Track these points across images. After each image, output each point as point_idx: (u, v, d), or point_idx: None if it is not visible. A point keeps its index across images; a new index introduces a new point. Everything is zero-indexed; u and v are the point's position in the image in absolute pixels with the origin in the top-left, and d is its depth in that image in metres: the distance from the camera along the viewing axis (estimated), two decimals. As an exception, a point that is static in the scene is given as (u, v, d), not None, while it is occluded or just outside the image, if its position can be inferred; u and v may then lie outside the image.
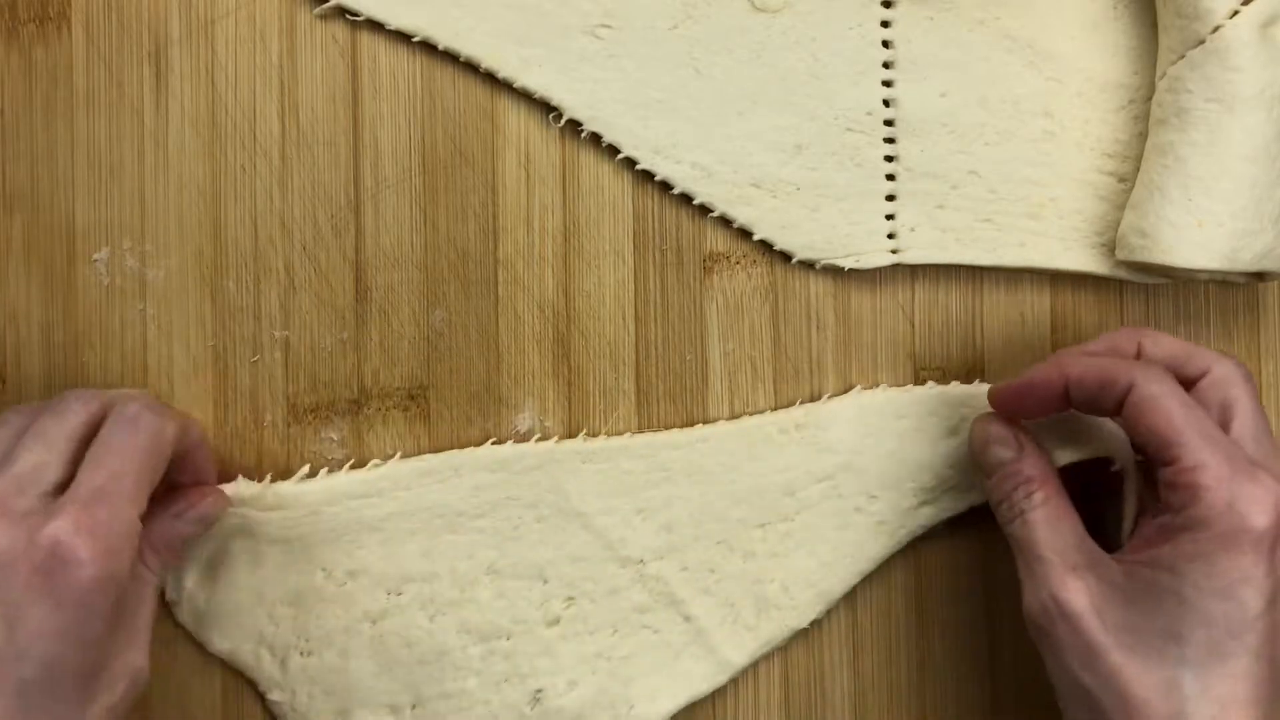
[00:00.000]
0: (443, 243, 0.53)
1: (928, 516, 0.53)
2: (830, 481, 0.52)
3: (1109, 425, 0.48)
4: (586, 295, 0.53)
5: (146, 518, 0.45)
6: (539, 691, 0.52)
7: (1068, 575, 0.45)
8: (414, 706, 0.51)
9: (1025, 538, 0.46)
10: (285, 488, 0.51)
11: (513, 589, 0.52)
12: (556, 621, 0.52)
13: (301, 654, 0.51)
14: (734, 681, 0.53)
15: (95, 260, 0.52)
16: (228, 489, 0.50)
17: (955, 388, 0.53)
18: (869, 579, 0.54)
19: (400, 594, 0.51)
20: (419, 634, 0.51)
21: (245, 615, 0.51)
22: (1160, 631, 0.43)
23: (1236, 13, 0.48)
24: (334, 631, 0.51)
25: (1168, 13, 0.50)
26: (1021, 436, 0.48)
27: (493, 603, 0.52)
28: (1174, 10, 0.50)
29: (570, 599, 0.52)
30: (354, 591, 0.51)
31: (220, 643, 0.51)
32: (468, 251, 0.53)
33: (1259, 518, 0.42)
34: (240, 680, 0.52)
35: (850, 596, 0.54)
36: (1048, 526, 0.46)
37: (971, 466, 0.51)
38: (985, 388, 0.52)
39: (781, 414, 0.53)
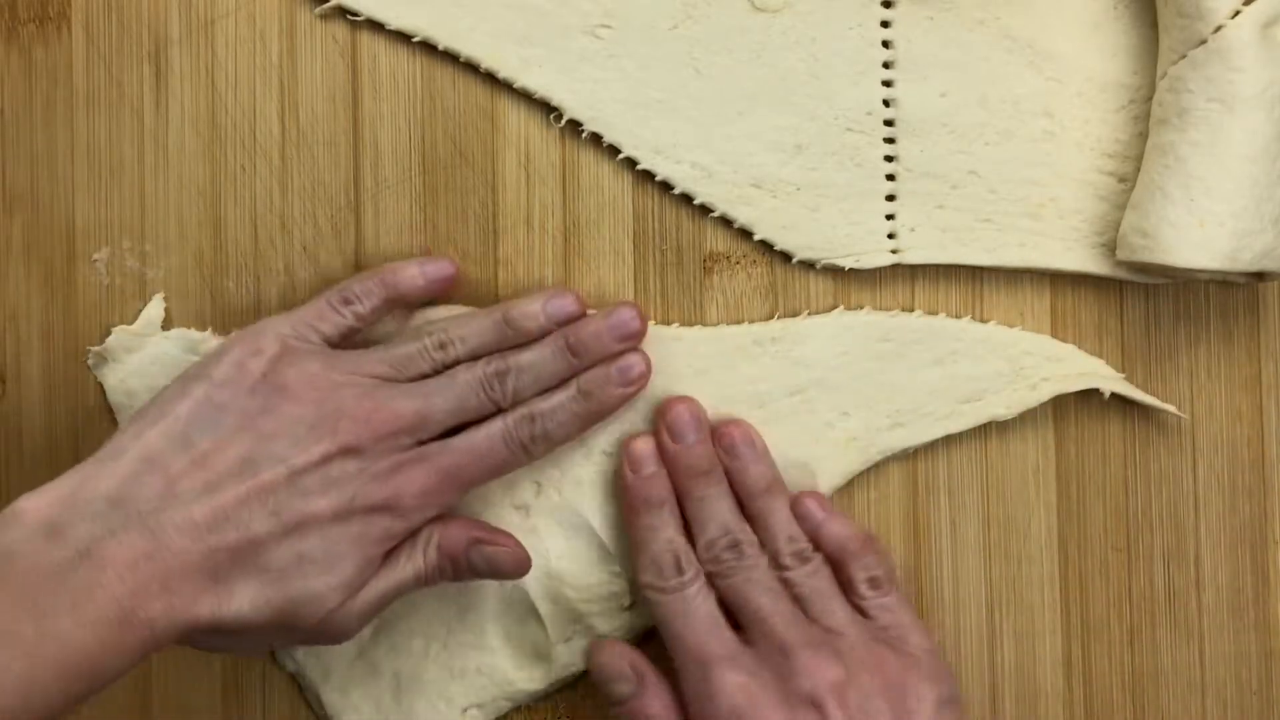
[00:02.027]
0: (443, 243, 0.53)
1: (901, 439, 0.53)
2: (802, 395, 0.53)
3: None
4: (586, 295, 0.53)
5: (448, 520, 0.48)
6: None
7: None
8: None
9: None
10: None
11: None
12: (525, 508, 0.52)
13: None
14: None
15: (95, 260, 0.52)
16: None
17: (943, 320, 0.53)
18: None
19: None
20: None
21: None
22: None
23: (1238, 12, 0.48)
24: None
25: (1169, 12, 0.50)
26: (641, 666, 0.49)
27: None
28: (1175, 10, 0.50)
29: (538, 485, 0.52)
30: None
31: None
32: (468, 251, 0.53)
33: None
34: (239, 681, 0.52)
35: (850, 596, 0.54)
36: None
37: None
38: (979, 327, 0.53)
39: (759, 326, 0.53)
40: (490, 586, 0.52)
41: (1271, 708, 0.54)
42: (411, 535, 0.47)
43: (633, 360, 0.50)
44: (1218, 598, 0.54)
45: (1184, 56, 0.49)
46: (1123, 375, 0.54)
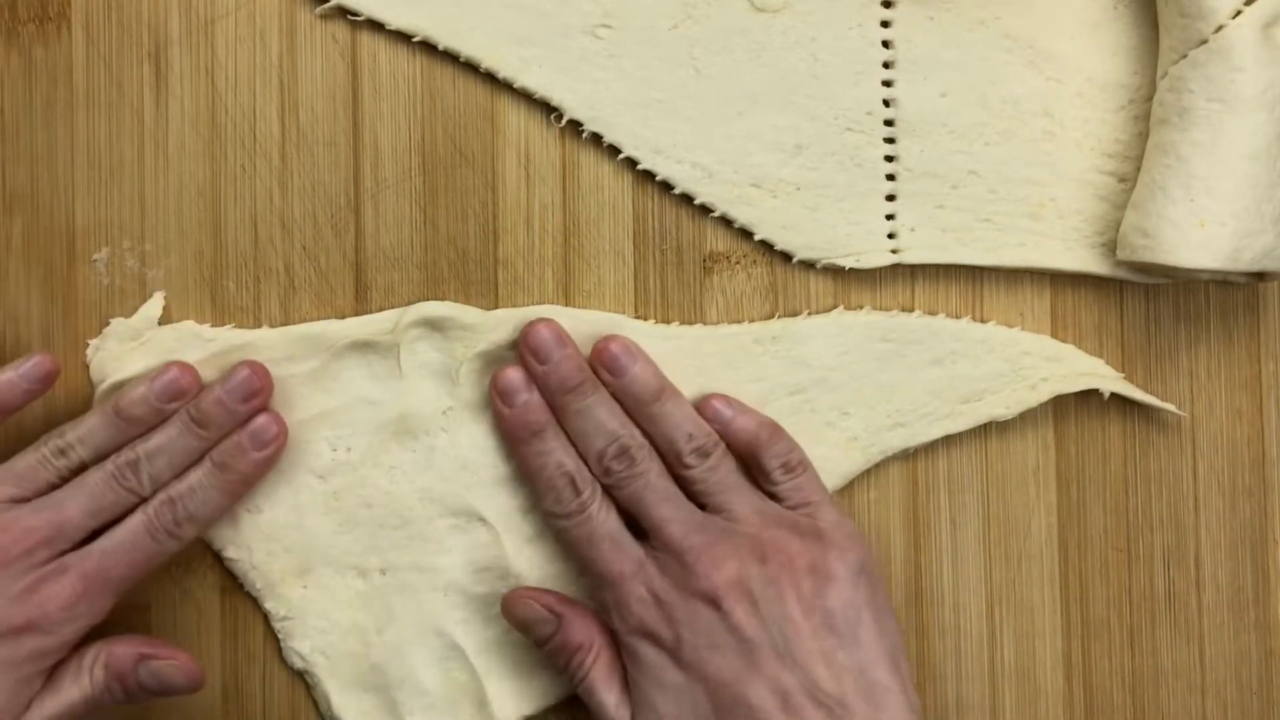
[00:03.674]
0: (443, 243, 0.53)
1: (901, 439, 0.53)
2: (803, 395, 0.53)
3: None
4: (586, 295, 0.53)
5: (114, 639, 0.47)
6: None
7: None
8: (383, 572, 0.52)
9: (591, 703, 0.48)
10: (218, 330, 0.51)
11: (475, 461, 0.52)
12: (533, 511, 0.52)
13: (249, 510, 0.51)
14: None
15: (95, 260, 0.52)
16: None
17: (943, 320, 0.53)
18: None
19: (350, 450, 0.51)
20: (377, 495, 0.51)
21: None
22: None
23: (1239, 12, 0.48)
24: (278, 486, 0.51)
25: (1170, 12, 0.50)
26: (557, 604, 0.49)
27: (457, 474, 0.52)
28: (1176, 10, 0.50)
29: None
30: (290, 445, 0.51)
31: None
32: (468, 251, 0.53)
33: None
34: (239, 681, 0.52)
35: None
36: (605, 687, 0.48)
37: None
38: (979, 327, 0.53)
39: (759, 325, 0.53)
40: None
41: (1271, 708, 0.54)
42: (78, 655, 0.46)
43: (262, 423, 0.49)
44: (1218, 598, 0.54)
45: (1185, 56, 0.49)
46: (1122, 375, 0.54)
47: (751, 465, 0.51)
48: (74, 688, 0.46)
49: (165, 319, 0.52)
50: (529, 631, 0.50)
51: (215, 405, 0.48)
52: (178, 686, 0.48)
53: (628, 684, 0.48)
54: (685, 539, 0.47)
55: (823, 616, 0.46)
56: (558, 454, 0.49)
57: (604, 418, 0.49)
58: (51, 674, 0.46)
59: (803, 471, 0.50)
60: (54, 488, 0.47)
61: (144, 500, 0.48)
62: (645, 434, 0.50)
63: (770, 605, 0.46)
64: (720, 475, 0.49)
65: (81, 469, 0.48)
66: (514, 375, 0.50)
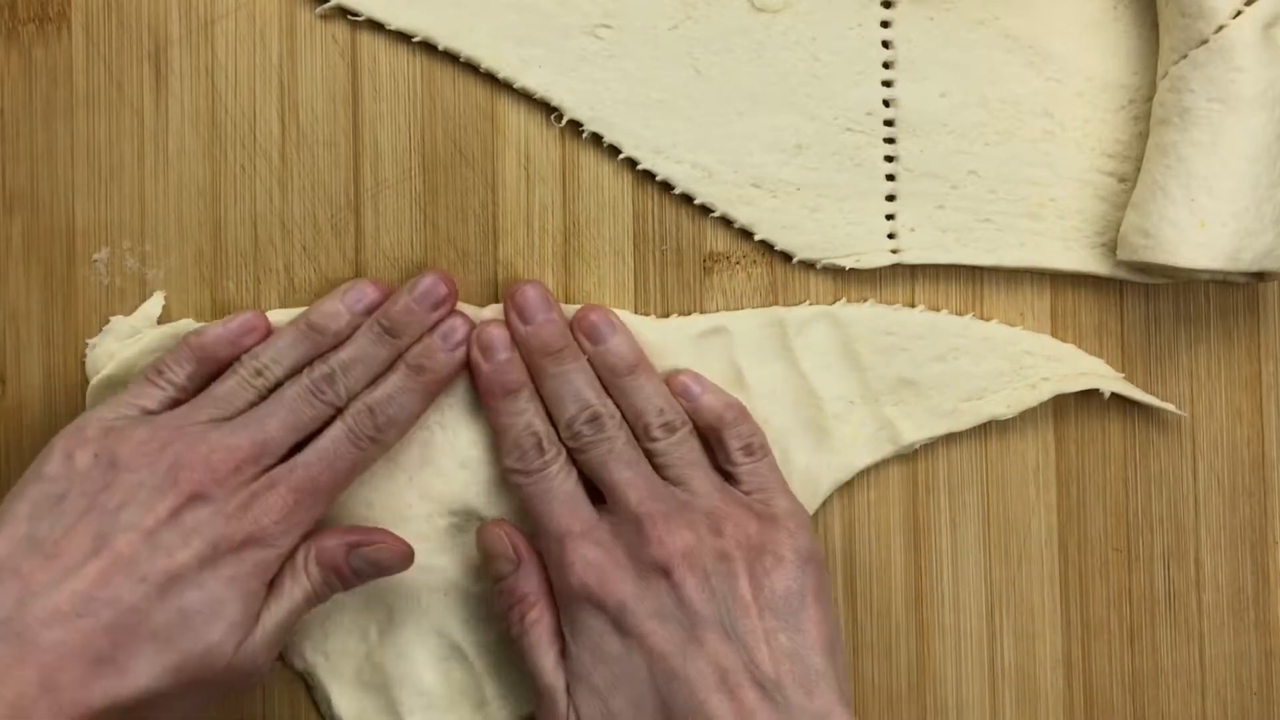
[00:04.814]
0: (443, 243, 0.53)
1: (905, 434, 0.53)
2: (806, 387, 0.53)
3: None
4: (586, 295, 0.53)
5: (319, 535, 0.48)
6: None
7: (569, 707, 0.47)
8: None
9: (526, 659, 0.48)
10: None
11: (474, 460, 0.52)
12: None
13: None
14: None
15: (95, 260, 0.52)
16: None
17: (945, 317, 0.53)
18: (867, 578, 0.54)
19: None
20: (376, 493, 0.52)
21: None
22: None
23: (1240, 13, 0.48)
24: None
25: (1170, 12, 0.50)
26: (522, 548, 0.49)
27: (456, 473, 0.52)
28: (1177, 9, 0.50)
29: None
30: None
31: None
32: (468, 251, 0.53)
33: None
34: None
35: (850, 594, 0.54)
36: (545, 649, 0.48)
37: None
38: (980, 325, 0.53)
39: (759, 311, 0.53)
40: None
41: (1271, 708, 0.54)
42: (290, 559, 0.47)
43: (453, 324, 0.50)
44: (1218, 598, 0.54)
45: (1185, 56, 0.49)
46: (1123, 375, 0.54)
47: (713, 443, 0.51)
48: (295, 589, 0.47)
49: (165, 318, 0.52)
50: (488, 564, 0.50)
51: (405, 313, 0.49)
52: (391, 566, 0.48)
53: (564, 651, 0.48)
54: (642, 504, 0.48)
55: (769, 597, 0.46)
56: (529, 415, 0.49)
57: (580, 385, 0.50)
58: (272, 583, 0.46)
59: (762, 456, 0.51)
60: (253, 407, 0.48)
61: (341, 410, 0.48)
62: (616, 405, 0.50)
63: (720, 581, 0.46)
64: (684, 451, 0.50)
65: (278, 387, 0.48)
66: (496, 332, 0.50)
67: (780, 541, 0.48)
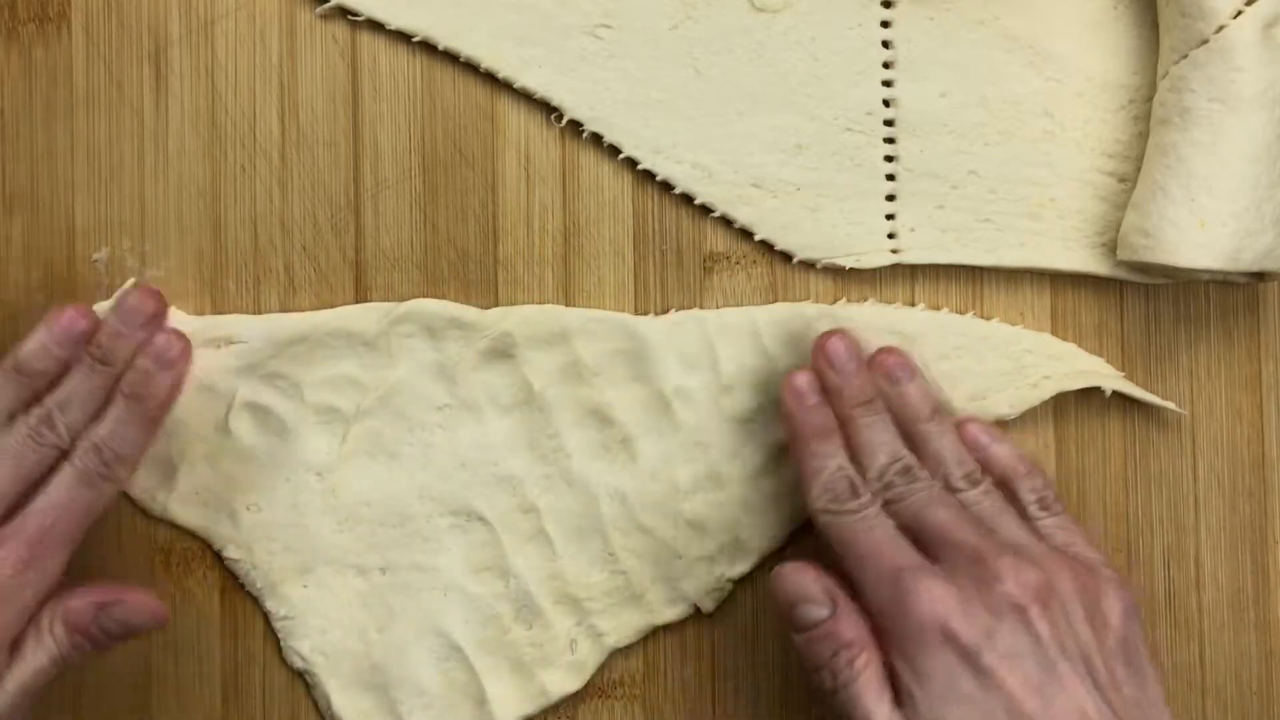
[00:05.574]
0: (443, 243, 0.53)
1: None
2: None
3: None
4: (586, 295, 0.53)
5: (67, 594, 0.46)
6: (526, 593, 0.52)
7: None
8: (382, 571, 0.52)
9: (853, 711, 0.43)
10: (202, 319, 0.51)
11: (474, 460, 0.52)
12: (533, 511, 0.52)
13: (249, 509, 0.51)
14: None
15: (95, 260, 0.52)
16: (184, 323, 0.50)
17: (946, 315, 0.53)
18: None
19: (345, 440, 0.52)
20: (375, 493, 0.51)
21: (182, 470, 0.51)
22: None
23: (1240, 13, 0.48)
24: (277, 485, 0.51)
25: (1170, 12, 0.50)
26: (835, 589, 0.45)
27: (456, 473, 0.52)
28: (1177, 9, 0.50)
29: (543, 487, 0.52)
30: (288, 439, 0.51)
31: (163, 499, 0.52)
32: (468, 251, 0.53)
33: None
34: (239, 681, 0.52)
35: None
36: (876, 697, 0.43)
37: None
38: (981, 323, 0.53)
39: (768, 308, 0.53)
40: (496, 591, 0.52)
41: (1271, 708, 0.54)
42: (34, 620, 0.45)
43: (163, 341, 0.48)
44: (1218, 598, 0.54)
45: (1185, 56, 0.49)
46: (1123, 375, 0.54)
47: (1005, 495, 0.49)
48: (40, 651, 0.45)
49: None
50: (794, 611, 0.45)
51: (113, 336, 0.47)
52: (142, 625, 0.46)
53: (897, 698, 0.43)
54: (980, 542, 0.45)
55: (1112, 646, 0.44)
56: (840, 458, 0.48)
57: (889, 435, 0.49)
58: (14, 645, 0.44)
59: (1060, 510, 0.49)
60: None
61: (67, 452, 0.46)
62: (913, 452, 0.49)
63: (1071, 622, 0.44)
64: (994, 501, 0.48)
65: None
66: (805, 378, 0.49)
67: (1109, 592, 0.45)
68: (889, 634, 0.44)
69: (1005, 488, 0.49)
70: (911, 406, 0.49)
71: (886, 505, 0.47)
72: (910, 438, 0.49)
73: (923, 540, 0.46)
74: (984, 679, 0.42)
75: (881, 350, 0.50)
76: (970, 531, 0.46)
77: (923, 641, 0.43)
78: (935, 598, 0.43)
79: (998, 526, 0.47)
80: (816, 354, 0.50)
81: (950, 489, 0.48)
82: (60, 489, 0.46)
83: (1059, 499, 0.49)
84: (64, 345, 0.47)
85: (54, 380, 0.47)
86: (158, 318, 0.48)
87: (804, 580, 0.46)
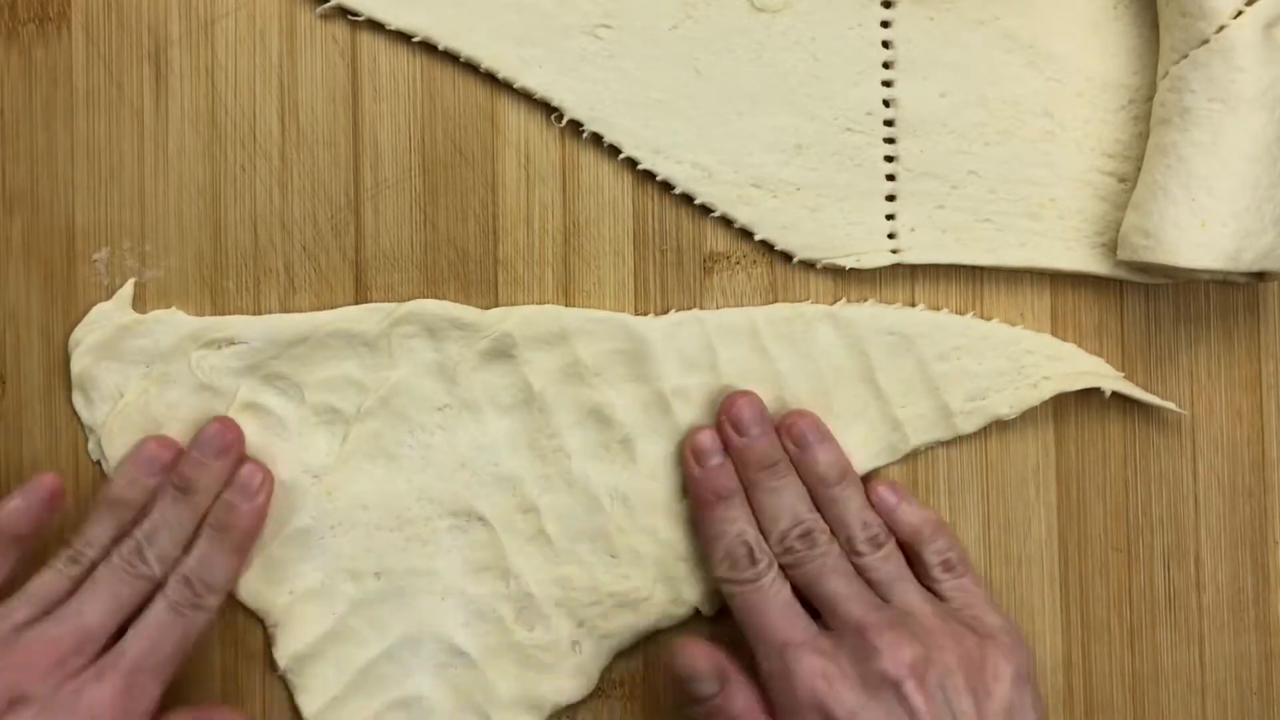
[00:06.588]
0: (443, 243, 0.53)
1: (914, 438, 0.53)
2: (820, 387, 0.53)
3: None
4: (586, 295, 0.53)
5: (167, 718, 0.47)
6: (527, 595, 0.52)
7: None
8: (377, 575, 0.52)
9: None
10: (200, 319, 0.51)
11: (474, 460, 0.52)
12: (533, 511, 0.52)
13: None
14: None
15: (95, 260, 0.52)
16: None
17: (946, 316, 0.53)
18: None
19: (343, 441, 0.52)
20: (374, 494, 0.51)
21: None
22: None
23: (1240, 12, 0.48)
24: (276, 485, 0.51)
25: (1171, 12, 0.50)
26: (725, 665, 0.48)
27: (456, 474, 0.52)
28: (1177, 9, 0.50)
29: (544, 489, 0.52)
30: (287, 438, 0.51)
31: None
32: (468, 251, 0.53)
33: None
34: (239, 681, 0.52)
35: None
36: None
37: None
38: (981, 324, 0.53)
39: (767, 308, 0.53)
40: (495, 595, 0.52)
41: (1271, 708, 0.54)
42: None
43: (245, 474, 0.49)
44: (1218, 598, 0.54)
45: (1186, 56, 0.49)
46: (1123, 375, 0.54)
47: (910, 556, 0.50)
48: None
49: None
50: (686, 686, 0.48)
51: (194, 467, 0.49)
52: None
53: None
54: (865, 616, 0.47)
55: (999, 711, 0.45)
56: (740, 523, 0.49)
57: (793, 499, 0.50)
58: None
59: (965, 572, 0.50)
60: (72, 596, 0.47)
61: (160, 583, 0.48)
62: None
63: (948, 696, 0.45)
64: (892, 566, 0.49)
65: (92, 569, 0.47)
66: (709, 437, 0.50)
67: (998, 660, 0.47)
68: (777, 704, 0.47)
69: (910, 549, 0.50)
70: (819, 471, 0.50)
71: (786, 569, 0.49)
72: (817, 500, 0.50)
73: (817, 605, 0.48)
74: None
75: (792, 413, 0.51)
76: (858, 604, 0.47)
77: (799, 715, 0.46)
78: (814, 673, 0.46)
79: (892, 593, 0.49)
80: (721, 415, 0.51)
81: (854, 552, 0.49)
82: (153, 620, 0.47)
83: (964, 560, 0.50)
84: (150, 474, 0.49)
85: (144, 511, 0.48)
86: (235, 447, 0.50)
87: (694, 657, 0.48)
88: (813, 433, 0.51)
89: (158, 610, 0.47)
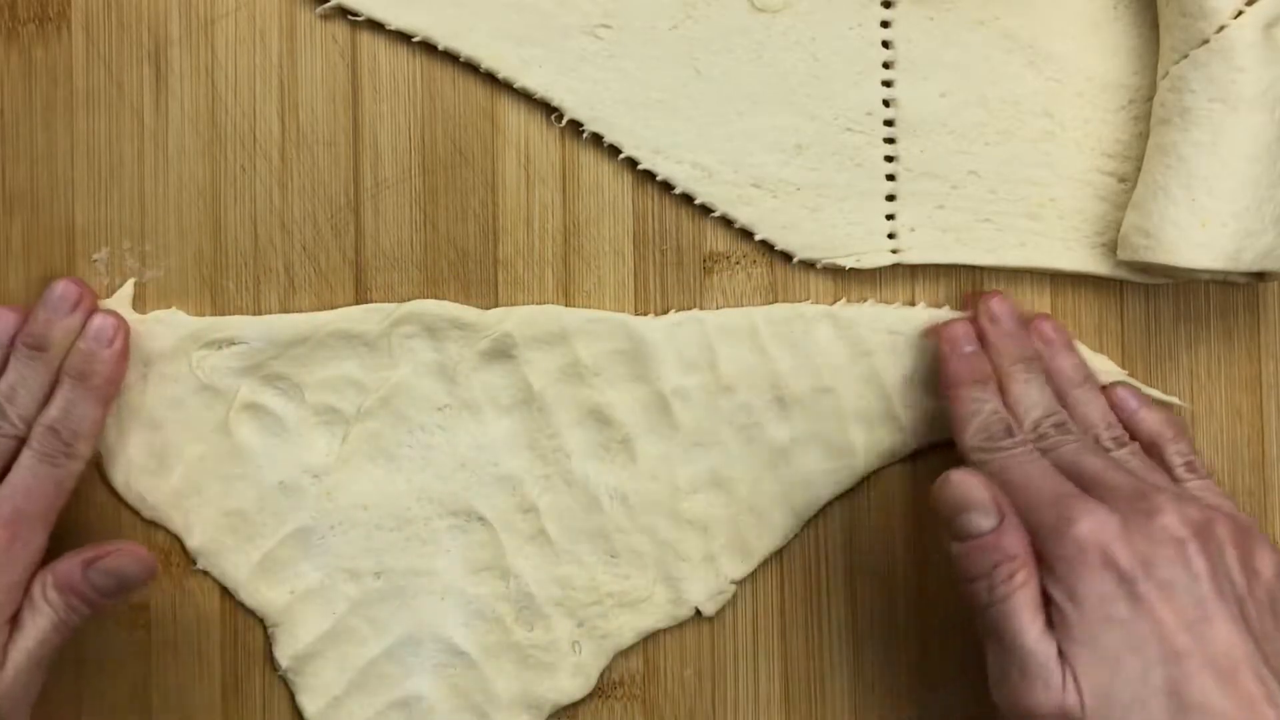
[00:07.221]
0: (443, 243, 0.53)
1: (917, 438, 0.53)
2: (823, 388, 0.53)
3: None
4: (586, 295, 0.53)
5: (53, 562, 0.47)
6: (528, 595, 0.52)
7: (1067, 675, 0.42)
8: (377, 575, 0.52)
9: (1006, 627, 0.43)
10: (199, 320, 0.51)
11: (474, 460, 0.52)
12: (533, 510, 0.52)
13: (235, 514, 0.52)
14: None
15: (95, 260, 0.52)
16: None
17: (947, 313, 0.53)
18: (869, 578, 0.54)
19: (344, 441, 0.52)
20: (374, 494, 0.51)
21: (170, 472, 0.51)
22: None
23: (1241, 13, 0.48)
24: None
25: (1171, 12, 0.50)
26: (1003, 500, 0.45)
27: (456, 473, 0.52)
28: (1177, 9, 0.50)
29: (544, 487, 0.52)
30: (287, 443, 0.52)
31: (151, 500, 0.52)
32: (468, 251, 0.53)
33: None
34: (239, 681, 0.52)
35: (851, 595, 0.54)
36: (1030, 615, 0.43)
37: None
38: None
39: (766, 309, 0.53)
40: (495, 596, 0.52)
41: (1271, 708, 0.54)
42: (28, 592, 0.46)
43: (99, 322, 0.49)
44: (1218, 598, 0.54)
45: (1186, 56, 0.49)
46: (1126, 374, 0.54)
47: (1152, 458, 0.50)
48: (39, 618, 0.46)
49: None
50: (958, 519, 0.44)
51: (45, 325, 0.49)
52: (134, 575, 0.47)
53: (1049, 622, 0.43)
54: (1140, 482, 0.45)
55: (1262, 596, 0.44)
56: (996, 403, 0.49)
57: (1048, 394, 0.50)
58: (13, 620, 0.46)
59: (1207, 475, 0.50)
60: None
61: (23, 439, 0.48)
62: None
63: (1226, 565, 0.43)
64: (1142, 461, 0.49)
65: None
66: (964, 326, 0.51)
67: (1262, 548, 0.45)
68: (1045, 558, 0.44)
69: (1152, 452, 0.50)
70: (1065, 372, 0.51)
71: (1042, 453, 0.48)
72: (1060, 400, 0.50)
73: (1079, 485, 0.46)
74: (1138, 605, 0.42)
75: (1039, 316, 0.52)
76: (1127, 475, 0.46)
77: (1081, 563, 0.43)
78: (1097, 521, 0.43)
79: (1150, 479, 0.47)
80: (981, 311, 0.51)
81: (1101, 449, 0.49)
82: (24, 471, 0.47)
83: (1204, 465, 0.50)
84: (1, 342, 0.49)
85: None
86: (85, 301, 0.50)
87: (972, 487, 0.45)
88: (1059, 335, 0.52)
89: (26, 462, 0.47)
